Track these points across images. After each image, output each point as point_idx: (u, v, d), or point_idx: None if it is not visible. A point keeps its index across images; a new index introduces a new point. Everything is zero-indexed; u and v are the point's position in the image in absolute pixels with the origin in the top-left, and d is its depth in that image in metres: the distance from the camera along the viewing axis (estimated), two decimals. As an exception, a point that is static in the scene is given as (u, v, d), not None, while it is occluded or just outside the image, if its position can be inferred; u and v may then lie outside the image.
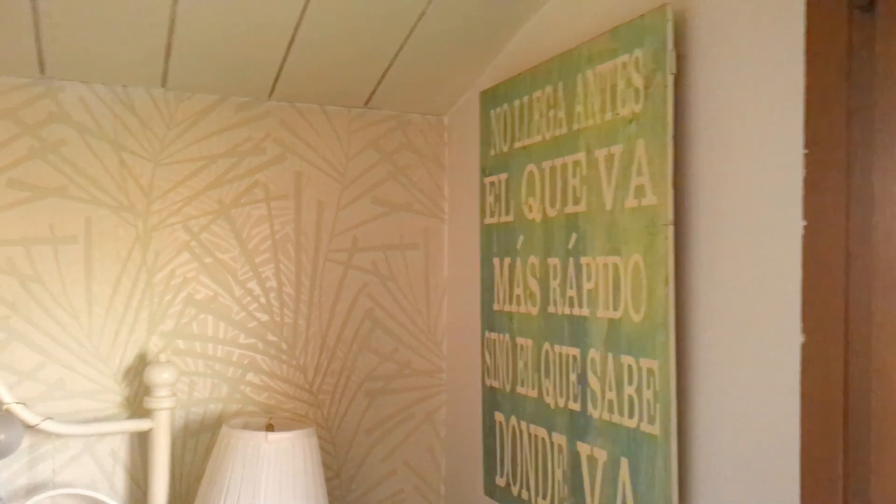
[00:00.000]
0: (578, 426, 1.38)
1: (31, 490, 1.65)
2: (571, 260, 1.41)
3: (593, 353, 1.34)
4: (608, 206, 1.30)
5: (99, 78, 1.69)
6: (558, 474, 1.44)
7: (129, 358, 1.73)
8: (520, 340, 1.57)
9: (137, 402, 1.73)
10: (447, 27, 1.63)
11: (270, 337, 1.86)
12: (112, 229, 1.72)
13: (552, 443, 1.46)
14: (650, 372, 1.20)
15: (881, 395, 0.94)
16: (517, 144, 1.58)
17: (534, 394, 1.52)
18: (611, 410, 1.30)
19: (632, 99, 1.25)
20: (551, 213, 1.47)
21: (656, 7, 1.20)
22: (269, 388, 1.85)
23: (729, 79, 1.14)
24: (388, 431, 1.97)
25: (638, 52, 1.23)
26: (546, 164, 1.48)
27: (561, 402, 1.44)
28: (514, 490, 1.60)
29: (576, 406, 1.39)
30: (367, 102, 1.92)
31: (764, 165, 1.09)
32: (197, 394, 1.79)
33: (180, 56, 1.63)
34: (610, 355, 1.30)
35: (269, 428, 1.67)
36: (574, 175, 1.40)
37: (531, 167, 1.53)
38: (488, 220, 1.70)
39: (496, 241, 1.67)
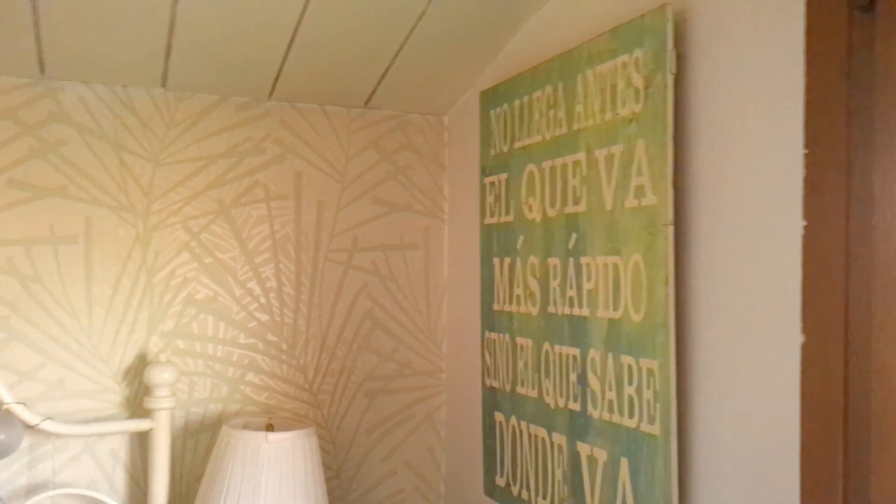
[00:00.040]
0: (578, 426, 1.38)
1: (31, 490, 1.65)
2: (571, 260, 1.41)
3: (593, 353, 1.34)
4: (608, 206, 1.30)
5: (99, 78, 1.69)
6: (558, 474, 1.44)
7: (129, 358, 1.73)
8: (520, 340, 1.57)
9: (137, 402, 1.73)
10: (447, 27, 1.63)
11: (270, 337, 1.86)
12: (112, 229, 1.72)
13: (552, 443, 1.46)
14: (650, 372, 1.20)
15: (881, 395, 0.94)
16: (517, 144, 1.58)
17: (534, 394, 1.52)
18: (611, 410, 1.30)
19: (632, 99, 1.25)
20: (551, 213, 1.47)
21: (656, 7, 1.20)
22: (269, 388, 1.85)
23: (729, 79, 1.14)
24: (388, 431, 1.97)
25: (638, 52, 1.23)
26: (546, 164, 1.48)
27: (561, 402, 1.44)
28: (514, 490, 1.60)
29: (576, 406, 1.39)
30: (367, 102, 1.92)
31: (764, 165, 1.09)
32: (197, 394, 1.79)
33: (180, 56, 1.63)
34: (610, 355, 1.30)
35: (269, 428, 1.67)
36: (574, 175, 1.40)
37: (531, 167, 1.53)
38: (488, 220, 1.70)
39: (496, 241, 1.67)
